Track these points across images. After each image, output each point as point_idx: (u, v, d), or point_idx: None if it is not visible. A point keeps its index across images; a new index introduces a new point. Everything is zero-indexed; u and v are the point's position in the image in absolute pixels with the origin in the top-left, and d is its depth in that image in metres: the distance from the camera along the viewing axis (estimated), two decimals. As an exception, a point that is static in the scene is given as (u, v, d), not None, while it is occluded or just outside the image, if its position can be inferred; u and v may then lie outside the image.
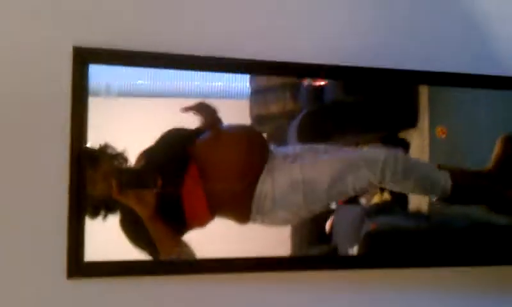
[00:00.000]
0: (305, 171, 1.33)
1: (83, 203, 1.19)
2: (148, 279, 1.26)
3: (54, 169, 1.20)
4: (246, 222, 1.30)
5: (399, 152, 1.38)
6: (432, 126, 1.40)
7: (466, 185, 1.44)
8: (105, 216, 1.21)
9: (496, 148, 1.46)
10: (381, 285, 1.42)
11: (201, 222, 1.27)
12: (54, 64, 1.21)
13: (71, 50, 1.19)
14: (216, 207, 1.28)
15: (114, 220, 1.22)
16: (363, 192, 1.37)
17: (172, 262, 1.26)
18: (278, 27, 1.33)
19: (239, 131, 1.33)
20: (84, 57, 1.20)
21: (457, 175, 1.41)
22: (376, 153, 1.36)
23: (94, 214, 1.21)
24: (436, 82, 1.40)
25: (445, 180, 1.39)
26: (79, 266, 1.20)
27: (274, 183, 1.31)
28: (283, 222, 1.34)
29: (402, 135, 1.41)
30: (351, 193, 1.35)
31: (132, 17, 1.26)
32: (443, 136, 1.41)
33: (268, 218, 1.31)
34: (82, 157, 1.19)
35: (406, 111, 1.42)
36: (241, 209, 1.30)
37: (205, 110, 1.28)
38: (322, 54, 1.33)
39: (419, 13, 1.44)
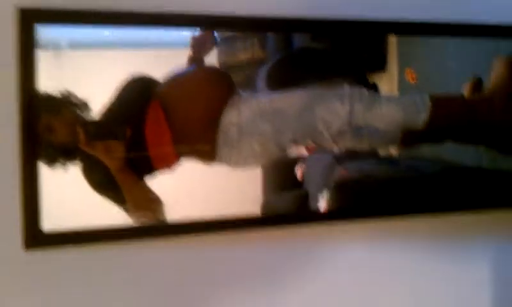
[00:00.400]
0: (274, 102, 1.33)
1: (37, 150, 1.16)
2: (116, 246, 1.25)
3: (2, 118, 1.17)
4: (212, 159, 1.30)
5: (363, 89, 1.38)
6: (401, 70, 1.40)
7: (448, 120, 1.43)
8: (64, 164, 1.20)
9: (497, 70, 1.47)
10: (352, 237, 1.45)
11: (168, 161, 1.27)
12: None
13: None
14: (181, 142, 1.27)
15: (72, 174, 1.20)
16: (331, 126, 1.35)
17: (141, 227, 1.25)
18: None
19: (201, 67, 1.31)
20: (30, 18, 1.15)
21: (439, 103, 1.40)
22: (342, 88, 1.36)
23: (52, 161, 1.18)
24: (403, 31, 1.39)
25: (422, 108, 1.39)
26: (36, 235, 1.18)
27: (240, 113, 1.31)
28: (251, 158, 1.33)
29: (371, 79, 1.41)
30: (320, 125, 1.34)
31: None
32: (413, 81, 1.42)
33: (235, 151, 1.31)
34: (37, 102, 1.16)
35: (375, 55, 1.42)
36: (206, 141, 1.30)
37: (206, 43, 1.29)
38: (288, 5, 1.31)
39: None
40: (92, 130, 1.20)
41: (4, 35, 1.15)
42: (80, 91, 1.19)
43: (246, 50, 1.30)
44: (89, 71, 1.22)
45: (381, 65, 1.40)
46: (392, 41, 1.40)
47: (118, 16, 1.20)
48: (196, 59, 1.29)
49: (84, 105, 1.20)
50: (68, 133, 1.19)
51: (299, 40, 1.36)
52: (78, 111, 1.20)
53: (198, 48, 1.29)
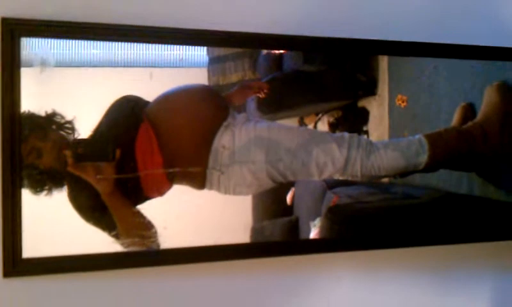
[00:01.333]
0: (272, 131, 1.31)
1: (19, 176, 1.11)
2: (101, 274, 1.20)
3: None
4: (202, 184, 1.26)
5: (362, 136, 1.37)
6: (392, 94, 1.40)
7: (446, 155, 1.43)
8: (50, 190, 1.14)
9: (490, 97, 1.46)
10: (344, 267, 1.42)
11: (159, 187, 1.23)
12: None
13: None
14: (172, 165, 1.23)
15: (57, 200, 1.15)
16: (323, 171, 1.34)
17: (128, 254, 1.20)
18: None
19: (194, 87, 1.28)
20: (14, 30, 1.11)
21: (436, 142, 1.41)
22: (340, 133, 1.36)
23: (36, 188, 1.13)
24: (394, 52, 1.39)
25: (421, 150, 1.39)
26: (16, 262, 1.12)
27: (234, 137, 1.28)
28: (240, 186, 1.29)
29: (362, 103, 1.40)
30: (313, 168, 1.33)
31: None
32: (403, 105, 1.41)
33: (224, 177, 1.27)
34: (20, 124, 1.11)
35: (366, 79, 1.41)
36: (198, 164, 1.25)
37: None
38: (281, 24, 1.30)
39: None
40: (80, 150, 1.15)
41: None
42: (67, 111, 1.15)
43: (237, 72, 1.28)
44: (77, 89, 1.18)
45: (371, 89, 1.39)
46: (383, 65, 1.39)
47: (108, 30, 1.17)
48: (235, 103, 1.29)
49: (70, 126, 1.15)
50: (54, 156, 1.14)
51: (290, 62, 1.35)
52: (64, 133, 1.15)
53: (244, 95, 1.29)
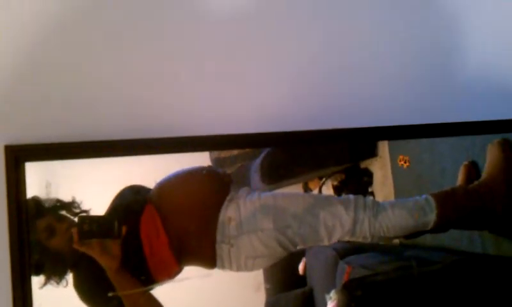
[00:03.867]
0: (277, 199, 1.30)
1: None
2: None
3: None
4: (213, 261, 1.24)
5: (368, 198, 1.37)
6: (393, 155, 1.41)
7: (455, 214, 1.42)
8: (60, 278, 1.13)
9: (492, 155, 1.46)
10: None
11: (167, 267, 1.21)
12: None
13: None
14: (179, 246, 1.22)
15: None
16: (332, 234, 1.32)
17: None
18: (221, 99, 1.32)
19: (195, 169, 1.29)
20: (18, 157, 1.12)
21: (444, 201, 1.40)
22: (345, 196, 1.36)
23: (49, 276, 1.12)
24: (394, 137, 1.39)
25: (428, 209, 1.38)
26: None
27: (239, 208, 1.27)
28: (251, 259, 1.27)
29: (364, 165, 1.40)
30: (322, 231, 1.31)
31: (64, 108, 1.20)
32: (406, 165, 1.42)
33: (234, 250, 1.25)
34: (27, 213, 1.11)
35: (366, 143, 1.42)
36: (205, 240, 1.24)
37: None
38: (277, 121, 1.32)
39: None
40: (86, 227, 1.14)
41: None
42: (72, 195, 1.16)
43: (238, 144, 1.30)
44: (82, 176, 1.18)
45: (372, 152, 1.40)
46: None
47: (112, 146, 1.18)
48: None
49: (75, 208, 1.15)
50: (63, 240, 1.14)
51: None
52: (69, 215, 1.15)
53: None
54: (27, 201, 1.11)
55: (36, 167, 1.13)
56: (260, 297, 1.27)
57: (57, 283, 1.13)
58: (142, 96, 1.25)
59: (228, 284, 1.27)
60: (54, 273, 1.13)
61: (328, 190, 1.36)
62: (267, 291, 1.28)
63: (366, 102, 1.42)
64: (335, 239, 1.32)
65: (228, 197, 1.28)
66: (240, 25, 1.32)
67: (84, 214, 1.15)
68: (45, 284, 1.12)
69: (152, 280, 1.20)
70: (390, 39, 1.45)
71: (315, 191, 1.36)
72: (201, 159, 1.27)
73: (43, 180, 1.14)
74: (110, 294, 1.15)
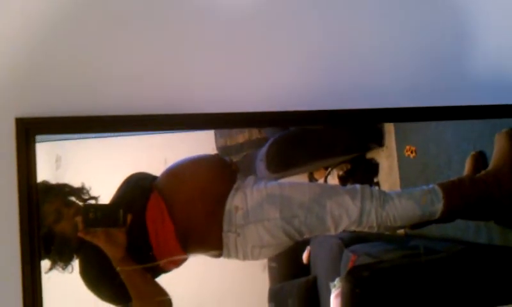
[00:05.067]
0: (284, 189, 1.30)
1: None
2: None
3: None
4: (219, 249, 1.24)
5: (374, 187, 1.37)
6: (399, 145, 1.40)
7: (461, 204, 1.41)
8: (66, 263, 1.14)
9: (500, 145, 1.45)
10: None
11: (173, 255, 1.21)
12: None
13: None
14: (185, 235, 1.22)
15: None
16: (339, 224, 1.32)
17: None
18: (234, 78, 1.31)
19: (201, 156, 1.29)
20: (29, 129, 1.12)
21: (451, 191, 1.39)
22: (351, 185, 1.35)
23: (56, 261, 1.13)
24: (400, 119, 1.38)
25: (435, 199, 1.38)
26: None
27: (246, 197, 1.27)
28: (258, 248, 1.27)
29: (370, 155, 1.40)
30: (328, 221, 1.31)
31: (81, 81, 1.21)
32: (412, 155, 1.41)
33: (240, 239, 1.25)
34: (37, 196, 1.11)
35: (372, 133, 1.41)
36: (212, 228, 1.25)
37: None
38: (282, 100, 1.31)
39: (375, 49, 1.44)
40: (91, 216, 1.15)
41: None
42: (81, 180, 1.16)
43: (243, 132, 1.30)
44: (90, 158, 1.20)
45: (379, 141, 1.40)
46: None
47: (121, 121, 1.18)
48: None
49: (84, 194, 1.16)
50: (69, 226, 1.14)
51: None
52: (76, 200, 1.16)
53: None
54: (36, 174, 1.11)
55: (46, 145, 1.14)
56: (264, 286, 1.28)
57: (63, 269, 1.14)
58: (154, 72, 1.25)
59: (236, 264, 1.27)
60: (60, 258, 1.14)
61: (333, 180, 1.36)
62: (271, 269, 1.29)
63: (375, 86, 1.41)
64: (341, 229, 1.32)
65: (234, 186, 1.28)
66: (258, 8, 1.32)
67: (89, 202, 1.16)
68: (50, 269, 1.13)
69: (158, 269, 1.21)
70: (401, 25, 1.44)
71: (321, 181, 1.36)
72: (207, 143, 1.28)
73: (52, 155, 1.15)
74: (118, 269, 1.16)
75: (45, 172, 1.13)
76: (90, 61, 1.20)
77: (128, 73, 1.23)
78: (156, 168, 1.24)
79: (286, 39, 1.34)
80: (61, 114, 1.15)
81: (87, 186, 1.16)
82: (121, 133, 1.21)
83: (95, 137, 1.19)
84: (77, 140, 1.18)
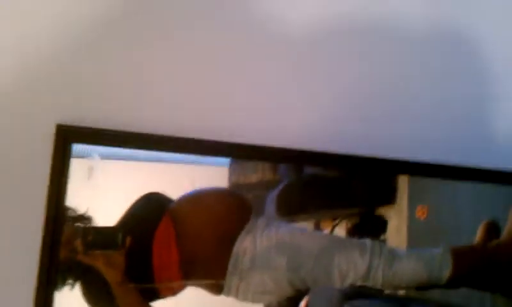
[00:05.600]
0: (295, 236, 1.30)
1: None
2: None
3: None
4: (219, 289, 1.24)
5: (384, 244, 1.36)
6: (411, 205, 1.39)
7: (470, 272, 1.40)
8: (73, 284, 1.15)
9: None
10: None
11: (172, 281, 1.21)
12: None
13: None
14: (189, 265, 1.22)
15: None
16: (346, 279, 1.31)
17: None
18: (257, 109, 1.33)
19: (219, 189, 1.29)
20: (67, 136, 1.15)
21: (460, 258, 1.38)
22: (362, 240, 1.35)
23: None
24: (415, 172, 1.38)
25: (444, 265, 1.36)
26: None
27: (255, 241, 1.27)
28: (259, 294, 1.26)
29: (379, 211, 1.39)
30: (335, 274, 1.30)
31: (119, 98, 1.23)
32: (423, 217, 1.40)
33: (244, 283, 1.25)
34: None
35: (385, 188, 1.41)
36: (216, 268, 1.24)
37: None
38: (302, 139, 1.33)
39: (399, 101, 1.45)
40: (90, 238, 1.15)
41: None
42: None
43: (257, 172, 1.31)
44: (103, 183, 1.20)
45: (389, 199, 1.39)
46: (403, 178, 1.40)
47: (158, 140, 1.21)
48: None
49: (83, 217, 1.16)
50: (69, 249, 1.15)
51: (310, 167, 1.37)
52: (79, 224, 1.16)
53: None
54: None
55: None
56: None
57: (70, 289, 1.15)
58: (197, 97, 1.28)
59: (233, 302, 1.26)
60: (63, 282, 1.15)
61: (340, 231, 1.35)
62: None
63: (392, 136, 1.41)
64: (347, 283, 1.32)
65: (246, 227, 1.28)
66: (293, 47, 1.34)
67: (89, 225, 1.17)
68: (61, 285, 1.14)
69: (155, 293, 1.21)
70: (424, 80, 1.45)
71: (326, 231, 1.35)
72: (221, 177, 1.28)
73: (85, 164, 1.17)
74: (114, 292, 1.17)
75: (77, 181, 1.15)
76: (134, 75, 1.23)
77: (170, 93, 1.26)
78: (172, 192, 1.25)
79: (317, 80, 1.37)
80: (97, 125, 1.18)
81: (90, 213, 1.17)
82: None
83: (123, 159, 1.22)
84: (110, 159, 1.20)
